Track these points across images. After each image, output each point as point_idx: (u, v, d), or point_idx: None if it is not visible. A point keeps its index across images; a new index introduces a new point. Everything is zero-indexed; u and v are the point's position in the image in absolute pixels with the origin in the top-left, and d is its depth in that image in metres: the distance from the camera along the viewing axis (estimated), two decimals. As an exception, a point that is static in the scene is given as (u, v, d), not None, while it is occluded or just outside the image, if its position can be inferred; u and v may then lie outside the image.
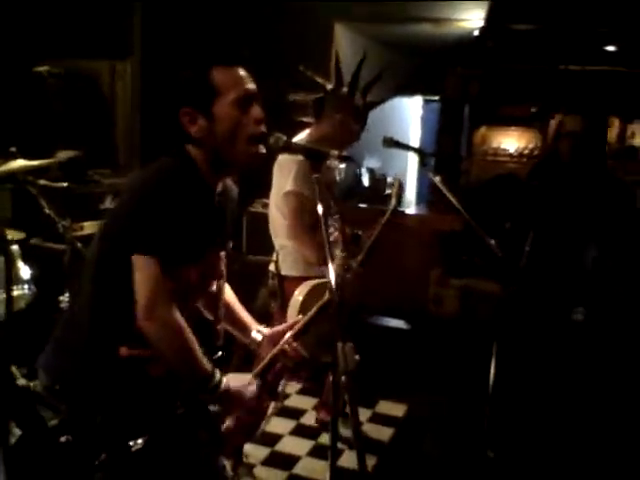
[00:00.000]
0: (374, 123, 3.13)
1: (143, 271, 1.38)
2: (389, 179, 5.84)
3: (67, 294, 2.95)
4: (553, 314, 2.97)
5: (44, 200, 2.78)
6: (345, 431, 2.76)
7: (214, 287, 1.63)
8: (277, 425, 3.45)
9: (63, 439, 1.40)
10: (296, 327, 1.75)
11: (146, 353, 1.43)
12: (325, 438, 3.26)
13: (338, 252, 1.84)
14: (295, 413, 3.61)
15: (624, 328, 3.14)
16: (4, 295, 2.63)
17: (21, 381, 2.82)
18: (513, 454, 3.09)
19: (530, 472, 3.00)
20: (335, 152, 1.55)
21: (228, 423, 2.55)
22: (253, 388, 1.56)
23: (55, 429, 1.43)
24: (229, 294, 1.81)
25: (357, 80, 2.78)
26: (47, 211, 2.78)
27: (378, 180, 5.86)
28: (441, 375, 3.99)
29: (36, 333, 1.89)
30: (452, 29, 5.08)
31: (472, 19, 4.82)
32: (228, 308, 1.77)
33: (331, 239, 2.61)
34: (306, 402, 3.69)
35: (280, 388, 2.61)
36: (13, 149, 2.74)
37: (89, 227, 3.29)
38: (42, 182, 2.87)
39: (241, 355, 1.94)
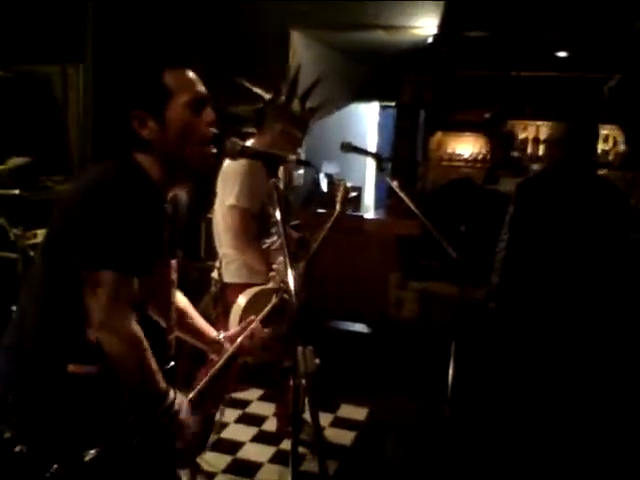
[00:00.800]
0: (332, 129, 3.16)
1: (96, 285, 1.35)
2: (348, 184, 5.87)
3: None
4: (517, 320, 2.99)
5: (-5, 208, 2.71)
6: (307, 436, 2.79)
7: (165, 296, 1.61)
8: (238, 432, 3.43)
9: (17, 449, 1.37)
10: (259, 317, 1.76)
11: (94, 370, 1.40)
12: (287, 444, 3.25)
13: (280, 259, 1.84)
14: (256, 420, 3.59)
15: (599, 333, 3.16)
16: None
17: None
18: (476, 452, 3.14)
19: (494, 472, 3.05)
20: (292, 156, 1.57)
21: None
22: (197, 419, 1.54)
23: (9, 440, 1.39)
24: (183, 301, 1.79)
25: (295, 88, 2.80)
26: (-2, 219, 2.71)
27: (337, 185, 5.88)
28: (402, 378, 4.03)
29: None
30: (406, 36, 5.15)
31: (425, 26, 4.90)
32: (183, 315, 1.75)
33: (274, 247, 2.63)
34: (267, 408, 3.67)
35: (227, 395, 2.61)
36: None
37: (42, 235, 3.21)
38: (-7, 189, 2.79)
39: (187, 363, 1.92)
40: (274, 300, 1.76)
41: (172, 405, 1.44)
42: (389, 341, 4.46)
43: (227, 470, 3.05)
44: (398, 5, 4.56)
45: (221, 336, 1.78)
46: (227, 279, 2.82)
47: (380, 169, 2.86)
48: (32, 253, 2.73)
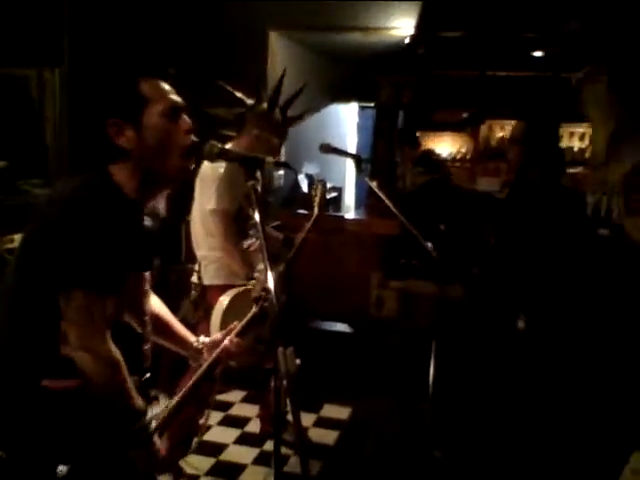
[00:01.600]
0: (312, 130, 3.17)
1: (71, 305, 1.34)
2: (329, 185, 5.89)
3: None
4: (497, 320, 3.03)
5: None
6: (291, 437, 2.79)
7: (139, 306, 1.60)
8: (221, 434, 3.42)
9: None
10: (238, 327, 1.76)
11: (70, 384, 1.39)
12: (270, 445, 3.26)
13: (261, 266, 1.84)
14: (239, 421, 3.59)
15: (566, 333, 3.23)
16: None
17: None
18: (459, 453, 3.17)
19: (476, 471, 3.08)
20: (271, 159, 1.57)
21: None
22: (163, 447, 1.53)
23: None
24: (160, 308, 1.78)
25: (278, 95, 2.82)
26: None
27: (315, 187, 5.90)
28: (384, 377, 4.05)
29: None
30: (384, 37, 5.18)
31: (403, 27, 4.93)
32: (162, 322, 1.74)
33: (252, 248, 2.64)
34: (250, 410, 3.67)
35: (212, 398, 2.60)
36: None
37: (19, 239, 3.18)
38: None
39: (168, 370, 1.91)
40: (254, 309, 1.75)
41: (148, 425, 1.44)
42: (371, 340, 4.48)
43: (210, 472, 3.05)
44: (375, 6, 4.58)
45: (200, 340, 1.77)
46: (207, 281, 2.82)
47: (359, 170, 2.88)
48: (9, 257, 2.71)
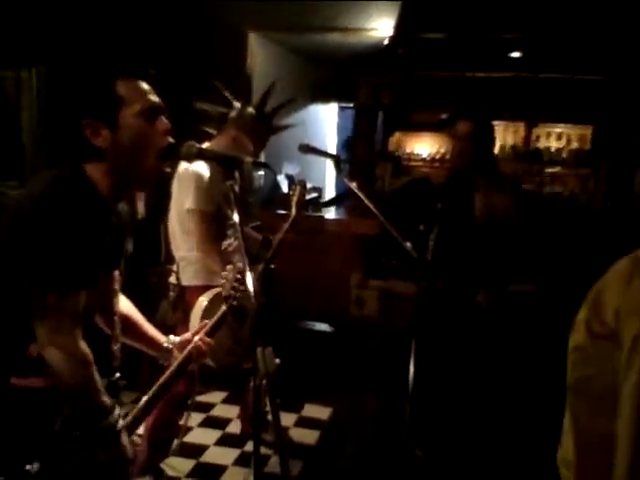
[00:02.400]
0: (292, 130, 3.17)
1: (41, 303, 1.34)
2: (308, 185, 5.89)
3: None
4: (460, 302, 3.17)
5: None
6: (272, 437, 2.79)
7: (108, 306, 1.60)
8: (202, 436, 3.41)
9: None
10: (208, 326, 1.75)
11: (39, 383, 1.39)
12: (251, 446, 3.23)
13: (229, 266, 1.84)
14: (220, 423, 3.58)
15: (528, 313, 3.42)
16: None
17: None
18: (440, 452, 3.19)
19: (457, 469, 3.10)
20: (250, 159, 1.57)
21: (140, 443, 2.50)
22: (134, 446, 1.53)
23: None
24: (130, 309, 1.77)
25: (265, 103, 2.82)
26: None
27: (293, 188, 5.89)
28: (365, 376, 4.07)
29: None
30: (363, 38, 5.20)
31: (382, 28, 4.96)
32: (130, 323, 1.73)
33: (230, 249, 2.64)
34: (231, 411, 3.66)
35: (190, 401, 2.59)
36: None
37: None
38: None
39: (148, 372, 1.90)
40: (223, 308, 1.75)
41: (117, 422, 1.43)
42: (351, 340, 4.49)
43: (191, 474, 3.04)
44: (354, 7, 4.60)
45: (170, 340, 1.76)
46: (185, 282, 2.80)
47: (338, 170, 2.89)
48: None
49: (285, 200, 5.15)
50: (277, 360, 1.43)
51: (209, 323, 1.74)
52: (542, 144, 5.75)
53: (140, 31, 4.51)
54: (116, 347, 1.58)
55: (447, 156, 6.13)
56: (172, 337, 1.78)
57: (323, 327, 4.87)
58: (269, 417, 1.41)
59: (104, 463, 1.41)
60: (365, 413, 3.74)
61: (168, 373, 1.66)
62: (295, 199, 2.75)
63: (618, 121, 5.30)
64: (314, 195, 5.78)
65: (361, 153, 5.97)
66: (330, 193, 8.05)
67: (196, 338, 1.74)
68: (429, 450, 3.13)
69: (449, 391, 3.31)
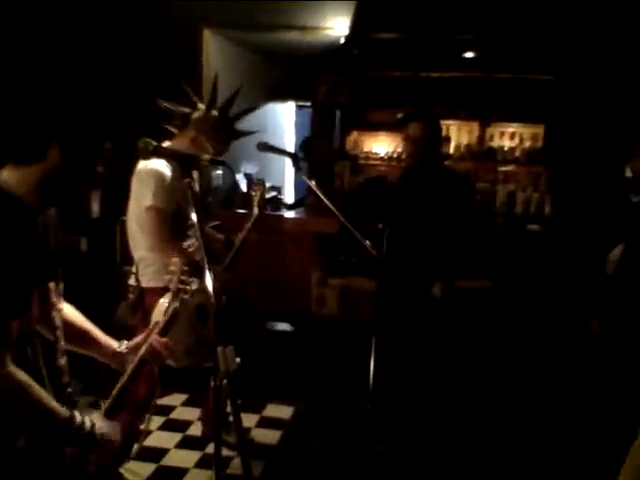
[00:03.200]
0: (250, 129, 3.15)
1: None
2: (268, 184, 5.88)
3: None
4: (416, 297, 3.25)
5: None
6: (233, 438, 2.77)
7: (47, 321, 1.51)
8: (162, 439, 3.37)
9: None
10: (160, 325, 1.72)
11: None
12: (213, 448, 3.22)
13: (175, 260, 1.80)
14: (181, 425, 3.54)
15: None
16: None
17: None
18: (400, 445, 3.23)
19: (419, 462, 3.14)
20: (207, 156, 1.56)
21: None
22: (117, 426, 1.50)
23: None
24: (78, 317, 1.71)
25: (229, 107, 2.80)
26: None
27: (254, 187, 5.88)
28: (326, 374, 4.08)
29: None
30: (320, 37, 5.21)
31: (338, 27, 4.97)
32: (78, 331, 1.67)
33: (191, 249, 2.60)
34: (191, 413, 3.63)
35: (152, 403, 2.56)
36: None
37: None
38: None
39: (105, 374, 1.85)
40: (174, 305, 1.71)
41: (82, 425, 1.40)
42: (312, 339, 4.50)
43: (151, 478, 3.00)
44: (310, 6, 4.61)
45: (123, 347, 1.71)
46: (145, 284, 2.76)
47: (297, 168, 2.89)
48: None
49: (245, 199, 5.14)
50: (238, 359, 1.43)
51: (160, 322, 1.71)
52: (496, 143, 5.86)
53: (93, 29, 4.42)
54: (62, 362, 1.52)
55: (404, 155, 6.20)
56: (124, 342, 1.73)
57: (284, 326, 4.86)
58: (230, 418, 1.40)
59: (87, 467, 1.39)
60: (327, 411, 3.75)
61: (124, 378, 1.62)
62: (257, 198, 2.74)
63: (569, 120, 5.45)
64: (273, 194, 5.77)
65: (319, 152, 5.98)
66: (289, 192, 8.05)
67: (151, 339, 1.70)
68: (389, 444, 3.16)
69: (408, 385, 3.35)
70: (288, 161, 3.03)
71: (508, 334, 4.23)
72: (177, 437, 3.41)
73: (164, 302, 2.17)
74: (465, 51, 5.58)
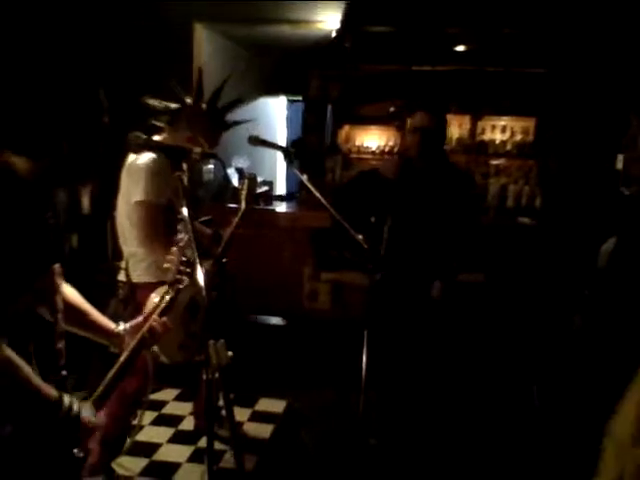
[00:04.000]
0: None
1: None
2: (259, 179, 5.87)
3: None
4: (415, 294, 3.20)
5: None
6: (225, 432, 2.77)
7: (50, 304, 1.52)
8: (154, 434, 3.36)
9: None
10: (159, 307, 1.72)
11: None
12: (205, 442, 3.22)
13: (173, 250, 1.81)
14: (173, 420, 3.53)
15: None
16: None
17: None
18: (394, 440, 3.24)
19: (411, 456, 3.15)
20: (198, 149, 1.55)
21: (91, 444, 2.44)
22: (103, 417, 1.50)
23: None
24: (77, 298, 1.71)
25: (217, 99, 2.78)
26: None
27: (242, 181, 5.86)
28: (318, 368, 4.08)
29: None
30: (311, 31, 5.20)
31: (329, 21, 4.96)
32: (78, 312, 1.68)
33: (182, 244, 2.59)
34: (184, 408, 3.62)
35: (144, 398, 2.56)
36: None
37: None
38: None
39: (96, 370, 1.85)
40: (171, 293, 1.72)
41: (70, 408, 1.39)
42: (304, 333, 4.50)
43: (143, 473, 2.99)
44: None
45: (121, 328, 1.73)
46: (136, 279, 2.73)
47: (288, 161, 2.88)
48: None
49: (235, 194, 5.12)
50: (229, 353, 1.43)
51: (160, 304, 1.72)
52: (487, 136, 5.88)
53: (84, 23, 4.38)
54: (60, 345, 1.52)
55: (396, 149, 6.21)
56: (122, 324, 1.74)
57: (276, 321, 4.87)
58: (223, 412, 1.40)
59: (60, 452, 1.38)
60: (319, 405, 3.75)
61: (125, 356, 1.62)
62: (244, 192, 2.72)
63: (560, 113, 5.47)
64: (265, 189, 5.76)
65: (311, 146, 5.97)
66: (281, 186, 8.04)
67: (151, 320, 1.71)
68: (381, 438, 3.17)
69: (401, 379, 3.36)
70: (280, 155, 3.03)
71: (500, 327, 4.25)
72: (169, 432, 3.40)
73: (155, 298, 2.17)
74: (456, 45, 5.58)
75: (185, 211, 1.48)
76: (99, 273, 3.83)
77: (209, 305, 1.48)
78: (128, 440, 2.80)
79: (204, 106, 2.76)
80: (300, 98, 6.75)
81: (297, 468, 3.15)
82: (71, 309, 1.63)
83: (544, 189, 5.36)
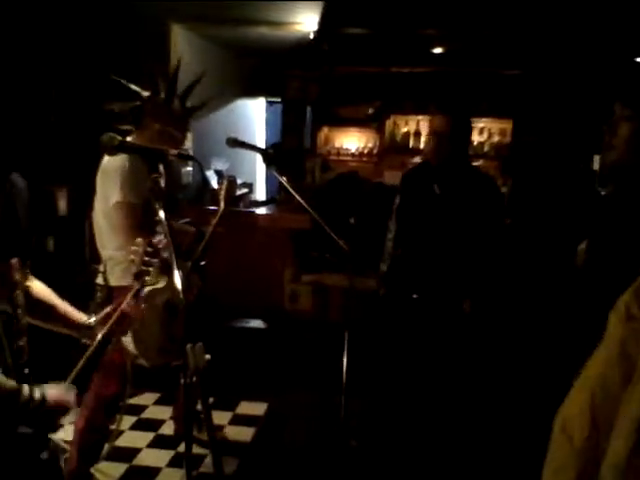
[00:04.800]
0: (220, 125, 3.13)
1: None
2: (239, 180, 5.84)
3: None
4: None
5: None
6: (205, 436, 2.74)
7: (12, 298, 1.49)
8: (134, 439, 3.33)
9: None
10: (129, 296, 1.71)
11: None
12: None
13: (139, 240, 1.79)
14: (153, 424, 3.50)
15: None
16: None
17: None
18: (373, 441, 3.24)
19: (393, 458, 3.15)
20: (174, 151, 1.54)
21: (69, 449, 2.41)
22: (73, 391, 1.49)
23: None
24: (45, 292, 1.69)
25: (175, 86, 2.75)
26: None
27: (221, 183, 5.84)
28: (299, 370, 4.07)
29: None
30: (289, 32, 5.19)
31: (307, 22, 4.96)
32: (46, 306, 1.66)
33: (160, 245, 2.56)
34: (163, 412, 3.59)
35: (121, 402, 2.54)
36: None
37: None
38: None
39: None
40: (137, 285, 1.71)
41: (31, 397, 1.37)
42: (285, 335, 4.49)
43: (123, 478, 2.96)
44: (279, 0, 4.57)
45: (92, 320, 1.71)
46: (114, 282, 2.70)
47: (267, 163, 2.87)
48: None
49: (214, 196, 5.10)
50: (207, 356, 1.41)
51: (127, 296, 1.71)
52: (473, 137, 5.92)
53: (59, 23, 4.33)
54: (22, 342, 1.49)
55: (374, 150, 6.24)
56: (93, 315, 1.72)
57: (257, 323, 4.84)
58: (202, 416, 1.39)
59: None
60: (300, 407, 3.74)
61: (95, 344, 1.61)
62: (223, 193, 2.70)
63: (536, 114, 5.53)
64: (245, 191, 5.74)
65: (290, 148, 5.97)
66: (261, 188, 8.02)
67: (124, 305, 1.70)
68: (363, 440, 3.17)
69: (383, 382, 3.36)
70: (259, 157, 3.01)
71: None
72: (149, 436, 3.37)
73: None
74: (434, 46, 5.62)
75: (162, 213, 1.47)
76: (77, 276, 3.79)
77: (187, 308, 1.47)
78: (107, 445, 2.77)
79: (162, 96, 2.72)
80: (279, 99, 6.74)
81: (278, 471, 3.13)
82: (38, 303, 1.61)
83: (517, 188, 5.40)
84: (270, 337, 4.63)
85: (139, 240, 1.66)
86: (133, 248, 1.67)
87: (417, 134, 6.08)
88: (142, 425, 3.50)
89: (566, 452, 1.08)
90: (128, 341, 2.16)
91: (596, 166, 4.95)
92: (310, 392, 3.84)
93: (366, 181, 5.43)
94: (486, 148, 5.86)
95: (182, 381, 1.41)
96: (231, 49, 6.15)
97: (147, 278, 1.66)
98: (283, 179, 2.83)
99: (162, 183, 1.40)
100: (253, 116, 8.12)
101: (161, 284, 1.96)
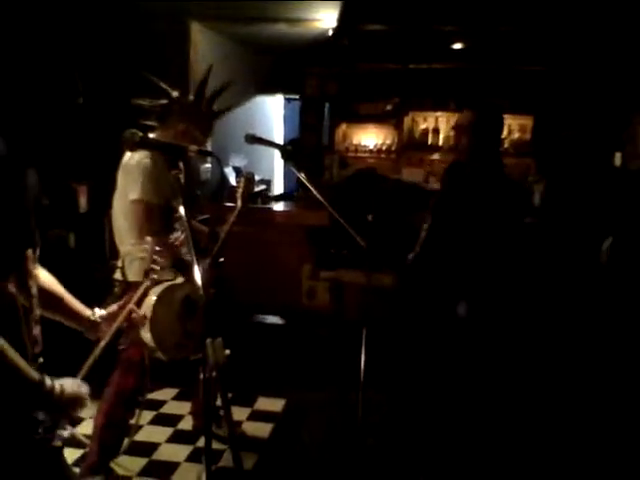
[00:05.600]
0: (239, 122, 3.13)
1: None
2: (257, 177, 5.86)
3: None
4: (437, 306, 3.08)
5: None
6: (224, 431, 2.76)
7: (24, 290, 1.48)
8: (153, 433, 3.35)
9: None
10: (136, 296, 1.72)
11: None
12: (204, 441, 3.21)
13: (148, 239, 1.80)
14: (171, 419, 3.52)
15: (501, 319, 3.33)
16: None
17: None
18: (392, 439, 3.23)
19: (410, 456, 3.14)
20: (194, 147, 1.54)
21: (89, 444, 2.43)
22: (86, 388, 1.50)
23: None
24: (53, 283, 1.69)
25: (204, 89, 2.76)
26: None
27: (239, 179, 5.87)
28: (317, 367, 4.07)
29: None
30: (308, 29, 5.18)
31: (326, 19, 4.95)
32: (53, 297, 1.66)
33: (178, 242, 2.58)
34: (182, 407, 3.61)
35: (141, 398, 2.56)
36: None
37: None
38: None
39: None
40: (146, 282, 1.71)
41: (52, 389, 1.39)
42: (303, 331, 4.50)
43: (142, 473, 2.98)
44: (298, -1, 4.58)
45: (97, 315, 1.72)
46: (132, 278, 2.72)
47: (286, 159, 2.87)
48: None
49: (232, 192, 5.11)
50: (227, 351, 1.42)
51: (134, 296, 1.72)
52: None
53: (79, 22, 4.37)
54: (36, 331, 1.51)
55: (392, 147, 6.21)
56: (98, 310, 1.73)
57: (275, 319, 4.86)
58: (221, 412, 1.40)
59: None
60: (318, 403, 3.75)
61: (103, 343, 1.62)
62: (240, 191, 2.71)
63: (558, 111, 5.46)
64: (263, 187, 5.75)
65: (308, 145, 5.97)
66: (279, 185, 8.04)
67: (130, 305, 1.71)
68: (380, 437, 3.16)
69: (401, 378, 3.35)
70: (277, 154, 3.01)
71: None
72: (168, 431, 3.40)
73: (152, 297, 2.16)
74: (453, 42, 5.58)
75: (182, 209, 1.48)
76: (97, 272, 3.83)
77: (206, 303, 1.47)
78: (127, 440, 2.80)
79: (191, 97, 2.74)
80: (297, 97, 6.74)
81: (296, 467, 3.14)
82: (46, 294, 1.61)
83: (548, 186, 5.32)
84: (288, 333, 4.64)
85: (148, 239, 1.66)
86: (144, 246, 1.69)
87: (436, 131, 6.05)
88: (161, 420, 3.52)
89: None
90: (146, 335, 2.18)
91: (617, 162, 4.88)
92: (327, 389, 3.84)
93: (384, 178, 5.41)
94: (506, 144, 5.80)
95: (201, 376, 1.42)
96: (250, 46, 6.16)
97: (155, 276, 1.67)
98: (301, 175, 2.82)
99: (182, 180, 1.41)
100: (271, 113, 8.14)
101: (179, 280, 1.98)
